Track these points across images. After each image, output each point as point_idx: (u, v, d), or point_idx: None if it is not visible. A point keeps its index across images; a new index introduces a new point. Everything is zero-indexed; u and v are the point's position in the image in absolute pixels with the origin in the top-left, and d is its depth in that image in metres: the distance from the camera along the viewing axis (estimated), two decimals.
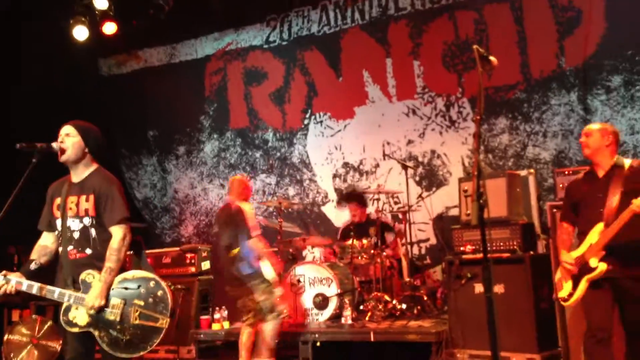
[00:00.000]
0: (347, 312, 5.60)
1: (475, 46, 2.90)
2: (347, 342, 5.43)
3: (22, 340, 6.24)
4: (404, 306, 5.71)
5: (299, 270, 5.98)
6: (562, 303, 3.86)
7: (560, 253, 3.84)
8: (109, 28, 7.83)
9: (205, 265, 6.62)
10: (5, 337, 6.26)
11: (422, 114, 7.23)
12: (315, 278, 5.88)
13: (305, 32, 8.01)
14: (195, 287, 6.40)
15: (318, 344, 5.38)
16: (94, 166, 3.49)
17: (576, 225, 3.90)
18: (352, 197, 6.87)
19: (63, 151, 3.36)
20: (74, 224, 3.39)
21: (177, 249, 6.76)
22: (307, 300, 5.90)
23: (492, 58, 2.99)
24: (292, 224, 6.81)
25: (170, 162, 8.76)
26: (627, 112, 6.11)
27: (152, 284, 3.36)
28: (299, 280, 5.92)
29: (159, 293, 3.33)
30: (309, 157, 7.93)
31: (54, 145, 3.36)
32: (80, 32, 7.75)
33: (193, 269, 6.51)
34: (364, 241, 6.08)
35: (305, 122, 7.95)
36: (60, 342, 6.35)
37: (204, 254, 6.64)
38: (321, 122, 7.85)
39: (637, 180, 3.59)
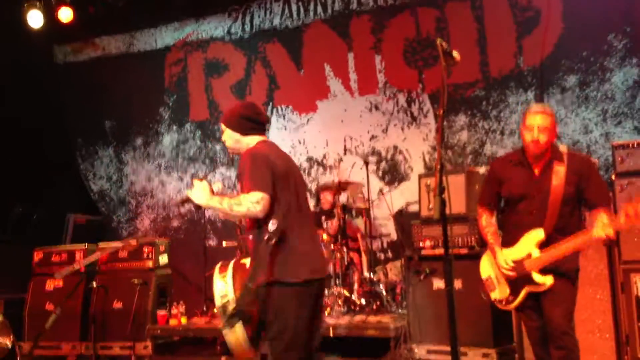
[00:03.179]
0: None
1: (438, 40, 2.85)
2: None
3: None
4: (363, 301, 5.74)
5: None
6: (499, 306, 3.50)
7: (495, 250, 3.44)
8: (65, 14, 7.59)
9: (163, 259, 6.51)
10: None
11: (384, 109, 7.26)
12: None
13: (268, 24, 7.94)
14: (152, 281, 6.30)
15: None
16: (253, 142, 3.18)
17: (495, 214, 3.59)
18: (327, 186, 6.81)
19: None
20: None
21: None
22: None
23: (454, 53, 2.91)
24: None
25: (127, 154, 8.57)
26: (581, 112, 6.27)
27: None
28: None
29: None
30: None
31: None
32: (35, 18, 7.48)
33: (150, 263, 6.40)
34: (324, 236, 6.08)
35: (267, 115, 7.87)
36: (11, 337, 6.16)
37: (162, 248, 6.54)
38: (284, 115, 7.81)
39: (576, 182, 3.27)
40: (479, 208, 3.65)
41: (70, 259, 6.60)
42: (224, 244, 6.81)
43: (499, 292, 3.49)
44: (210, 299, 6.62)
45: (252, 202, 2.83)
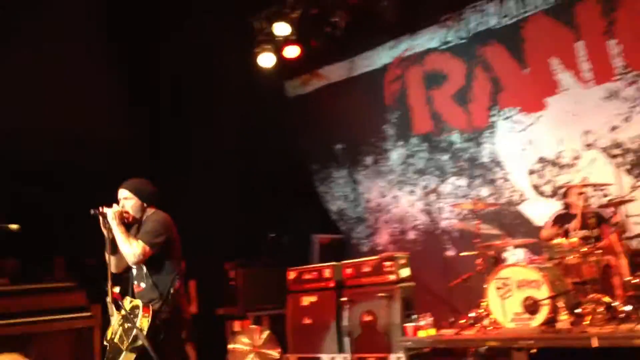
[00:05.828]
0: (563, 317, 5.27)
1: None
2: (566, 349, 5.09)
3: (245, 349, 6.77)
4: (628, 308, 5.22)
5: (504, 273, 5.77)
6: None
7: None
8: (292, 51, 8.28)
9: (405, 272, 6.66)
10: (230, 346, 6.86)
11: (625, 96, 6.61)
12: (523, 280, 5.62)
13: (483, 26, 7.75)
14: (397, 294, 6.46)
15: (533, 350, 5.12)
16: (150, 211, 3.96)
17: None
18: (575, 187, 6.35)
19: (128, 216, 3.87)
20: None
21: (376, 257, 6.90)
22: (515, 304, 5.65)
23: None
24: (490, 226, 6.58)
25: (360, 173, 8.96)
26: None
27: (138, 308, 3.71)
28: (504, 284, 5.70)
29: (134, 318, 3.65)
30: (499, 155, 7.63)
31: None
32: (266, 59, 8.30)
33: (393, 277, 6.58)
34: (573, 239, 5.69)
35: (493, 119, 7.67)
36: (279, 349, 6.81)
37: (402, 262, 6.69)
38: (510, 117, 7.52)
39: None
40: None
41: (320, 276, 7.10)
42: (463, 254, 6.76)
43: None
44: (456, 310, 6.60)
45: (136, 253, 3.69)
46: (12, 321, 5.58)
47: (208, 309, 7.58)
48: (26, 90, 6.86)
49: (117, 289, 3.85)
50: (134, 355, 3.57)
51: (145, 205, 3.94)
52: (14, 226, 3.97)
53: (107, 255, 3.81)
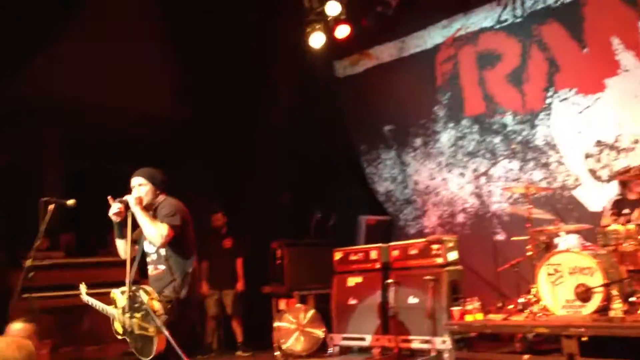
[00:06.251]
0: (617, 305, 5.10)
1: None
2: (619, 338, 4.94)
3: (290, 327, 6.85)
4: None
5: (556, 259, 5.61)
6: None
7: None
8: (342, 31, 8.21)
9: (453, 255, 6.57)
10: (275, 324, 6.95)
11: None
12: (575, 267, 5.45)
13: (541, 5, 7.46)
14: (444, 278, 6.39)
15: (584, 338, 4.99)
16: (162, 197, 4.06)
17: None
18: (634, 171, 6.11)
19: (141, 200, 3.89)
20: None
21: (423, 240, 6.83)
22: (566, 291, 5.50)
23: None
24: (542, 210, 6.41)
25: (408, 155, 8.84)
26: None
27: (138, 293, 3.68)
28: (556, 270, 5.55)
29: (143, 305, 3.63)
30: (554, 138, 7.39)
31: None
32: (317, 39, 8.26)
33: (440, 260, 6.50)
34: (630, 226, 5.48)
35: (548, 101, 7.42)
36: (323, 328, 6.85)
37: (450, 245, 6.61)
38: (566, 99, 7.26)
39: None
40: None
41: (366, 257, 7.09)
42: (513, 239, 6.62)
43: None
44: (504, 295, 6.49)
45: (163, 234, 3.75)
46: (65, 293, 5.79)
47: (255, 286, 7.70)
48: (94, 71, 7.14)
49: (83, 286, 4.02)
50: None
51: (158, 191, 4.06)
52: (70, 201, 4.08)
53: (118, 242, 3.97)
